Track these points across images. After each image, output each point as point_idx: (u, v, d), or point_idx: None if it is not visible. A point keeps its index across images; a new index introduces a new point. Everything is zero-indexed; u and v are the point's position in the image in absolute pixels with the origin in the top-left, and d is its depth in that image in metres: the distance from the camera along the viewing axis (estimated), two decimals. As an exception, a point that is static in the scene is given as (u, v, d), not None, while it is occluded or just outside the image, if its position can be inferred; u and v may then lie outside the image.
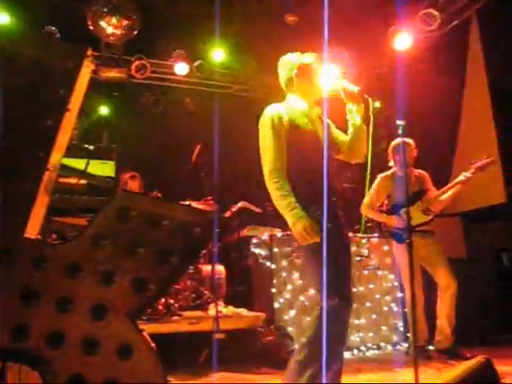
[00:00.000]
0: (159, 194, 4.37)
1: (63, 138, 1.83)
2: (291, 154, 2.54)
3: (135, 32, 5.72)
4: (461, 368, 1.62)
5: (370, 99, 2.71)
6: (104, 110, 6.91)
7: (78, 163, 2.15)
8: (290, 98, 2.75)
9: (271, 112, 2.59)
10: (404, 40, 5.84)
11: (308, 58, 2.79)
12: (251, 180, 6.58)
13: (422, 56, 6.42)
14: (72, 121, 1.88)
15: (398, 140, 4.28)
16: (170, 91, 7.15)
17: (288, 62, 2.79)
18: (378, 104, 2.88)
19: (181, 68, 6.57)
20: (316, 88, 2.76)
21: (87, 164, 2.02)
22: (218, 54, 6.61)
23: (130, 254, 1.63)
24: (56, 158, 1.81)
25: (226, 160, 5.96)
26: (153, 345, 1.67)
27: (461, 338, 4.39)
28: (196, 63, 6.73)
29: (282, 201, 2.44)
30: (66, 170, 2.01)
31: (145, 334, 1.65)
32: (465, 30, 6.29)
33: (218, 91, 7.14)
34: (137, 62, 6.37)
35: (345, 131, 2.81)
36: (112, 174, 5.67)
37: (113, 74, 6.30)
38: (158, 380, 1.61)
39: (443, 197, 4.32)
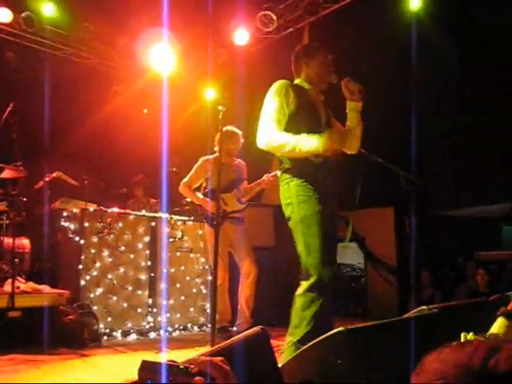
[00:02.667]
0: None
1: None
2: (293, 129, 2.64)
3: None
4: (235, 338, 1.73)
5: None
6: None
7: None
8: (296, 81, 2.90)
9: (279, 83, 2.75)
10: (242, 36, 6.06)
11: (320, 56, 2.89)
12: (71, 150, 6.20)
13: (259, 55, 6.77)
14: None
15: (228, 128, 4.44)
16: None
17: (302, 56, 2.92)
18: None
19: (3, 14, 5.84)
20: (322, 79, 2.87)
21: None
22: (49, 8, 6.03)
23: None
24: None
25: (44, 124, 5.49)
26: None
27: (263, 320, 4.73)
28: (23, 14, 6.06)
29: (296, 141, 2.56)
30: None
31: None
32: (299, 38, 6.79)
33: (47, 51, 6.54)
34: None
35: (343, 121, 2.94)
36: None
37: None
38: None
39: (251, 191, 4.63)
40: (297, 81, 2.91)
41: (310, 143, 2.57)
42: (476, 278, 5.39)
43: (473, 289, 5.39)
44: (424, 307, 2.16)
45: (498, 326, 1.83)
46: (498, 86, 6.07)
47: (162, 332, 4.78)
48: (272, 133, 2.63)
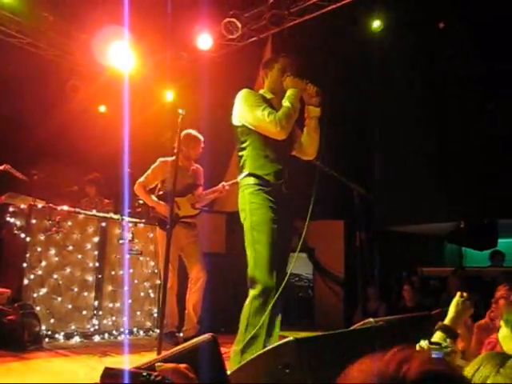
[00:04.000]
0: None
1: None
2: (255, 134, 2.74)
3: None
4: (186, 344, 1.72)
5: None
6: None
7: None
8: (260, 91, 2.96)
9: (246, 90, 2.83)
10: (205, 41, 6.06)
11: (277, 64, 2.96)
12: (22, 144, 5.96)
13: (221, 61, 6.78)
14: None
15: (190, 132, 4.42)
16: None
17: (263, 68, 3.02)
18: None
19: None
20: (281, 87, 2.90)
21: None
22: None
23: None
24: None
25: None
26: None
27: (211, 326, 4.71)
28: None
29: (285, 107, 2.71)
30: None
31: None
32: (262, 48, 6.85)
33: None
34: None
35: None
36: None
37: None
38: None
39: (205, 197, 4.60)
40: (261, 91, 2.96)
41: (289, 97, 2.75)
42: (403, 294, 5.56)
43: (403, 303, 5.57)
44: (371, 319, 2.22)
45: (436, 339, 1.92)
46: (455, 106, 6.35)
47: (106, 336, 4.67)
48: (273, 117, 2.66)
